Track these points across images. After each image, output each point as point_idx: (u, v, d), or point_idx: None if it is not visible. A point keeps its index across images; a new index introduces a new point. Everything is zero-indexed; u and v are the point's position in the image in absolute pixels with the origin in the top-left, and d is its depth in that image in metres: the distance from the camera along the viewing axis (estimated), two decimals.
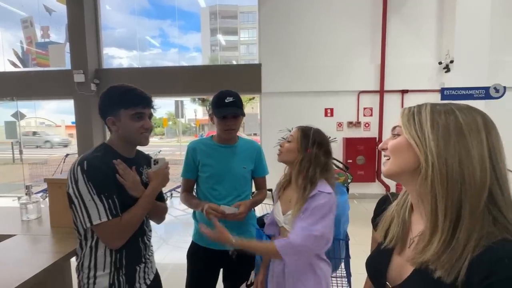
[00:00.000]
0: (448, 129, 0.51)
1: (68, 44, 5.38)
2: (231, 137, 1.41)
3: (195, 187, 1.50)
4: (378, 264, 0.67)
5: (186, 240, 1.58)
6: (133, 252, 1.04)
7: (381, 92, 5.04)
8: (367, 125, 5.19)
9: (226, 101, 1.33)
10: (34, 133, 19.36)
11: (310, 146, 1.12)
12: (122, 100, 1.01)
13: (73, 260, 1.10)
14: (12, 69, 5.70)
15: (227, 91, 1.39)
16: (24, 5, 6.01)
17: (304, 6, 5.09)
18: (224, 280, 1.51)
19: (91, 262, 0.98)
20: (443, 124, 0.51)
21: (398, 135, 0.59)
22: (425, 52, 4.97)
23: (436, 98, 4.88)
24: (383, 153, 0.64)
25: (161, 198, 1.20)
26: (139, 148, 1.15)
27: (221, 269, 1.50)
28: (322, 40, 5.11)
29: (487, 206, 0.48)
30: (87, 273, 0.98)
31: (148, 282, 1.11)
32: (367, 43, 5.08)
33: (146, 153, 1.23)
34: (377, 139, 5.12)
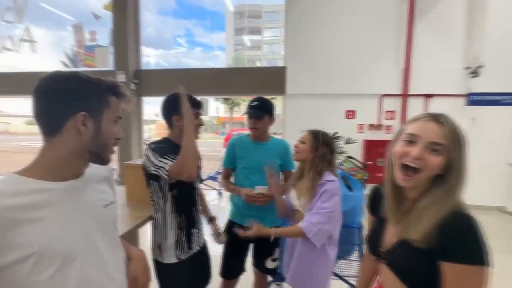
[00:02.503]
0: (466, 153, 0.71)
1: (111, 46, 5.98)
2: (255, 135, 1.69)
3: (233, 175, 1.81)
4: (375, 235, 0.89)
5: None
6: (190, 218, 1.36)
7: (404, 95, 5.09)
8: (388, 128, 5.26)
9: (252, 104, 1.63)
10: None
11: (320, 146, 1.41)
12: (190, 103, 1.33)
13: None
14: (63, 69, 6.44)
15: (257, 97, 1.69)
16: (76, 12, 6.72)
17: (329, 9, 5.25)
18: (254, 255, 1.80)
19: (163, 222, 1.31)
20: (466, 149, 0.71)
21: (437, 150, 0.70)
22: (451, 56, 4.93)
23: (461, 103, 4.86)
24: (407, 161, 0.72)
25: None
26: None
27: (251, 245, 1.79)
28: (347, 43, 5.25)
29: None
30: (160, 230, 1.31)
31: (201, 245, 1.44)
32: (391, 47, 5.15)
33: None
34: None
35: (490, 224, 4.16)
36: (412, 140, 0.73)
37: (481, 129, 4.70)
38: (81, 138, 0.65)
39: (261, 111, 1.64)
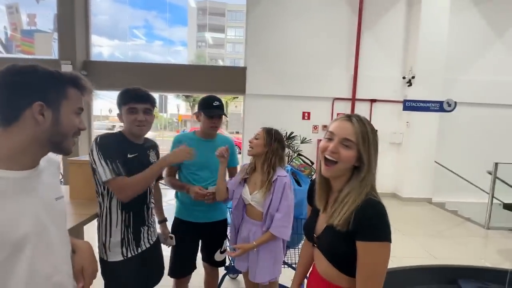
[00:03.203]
0: (375, 148, 0.84)
1: (55, 33, 5.40)
2: (214, 132, 1.74)
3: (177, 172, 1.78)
4: (310, 223, 1.00)
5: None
6: (138, 216, 1.33)
7: (353, 99, 5.61)
8: None
9: (214, 104, 1.66)
10: None
11: (273, 142, 1.52)
12: (121, 98, 1.31)
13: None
14: None
15: (214, 96, 1.70)
16: None
17: (289, 14, 5.52)
18: (202, 249, 1.81)
19: (107, 219, 1.27)
20: (374, 144, 0.84)
21: (348, 145, 0.82)
22: (392, 67, 5.60)
23: (399, 108, 5.53)
24: (326, 154, 0.85)
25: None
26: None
27: (200, 241, 1.78)
28: (304, 48, 5.58)
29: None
30: (105, 227, 1.27)
31: (151, 242, 1.42)
32: (343, 55, 5.62)
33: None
34: None
35: (419, 214, 4.84)
36: (331, 137, 0.87)
37: (414, 132, 5.42)
38: (39, 128, 0.67)
39: (222, 111, 1.70)
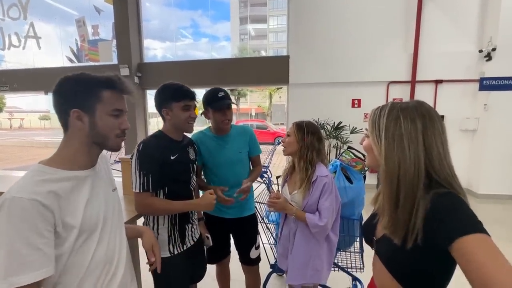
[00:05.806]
0: (393, 137, 0.66)
1: (114, 40, 5.98)
2: (228, 127, 1.55)
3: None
4: (370, 223, 0.87)
5: None
6: (184, 215, 1.34)
7: (413, 82, 4.91)
8: None
9: (219, 95, 1.49)
10: None
11: (305, 135, 1.38)
12: (174, 94, 1.26)
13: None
14: (69, 64, 6.50)
15: (216, 87, 1.53)
16: (79, 6, 6.71)
17: None
18: (236, 249, 1.74)
19: (155, 218, 1.30)
20: (391, 132, 0.67)
21: (367, 136, 0.76)
22: (464, 39, 4.69)
23: (474, 88, 4.65)
24: None
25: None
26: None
27: (231, 237, 1.73)
28: (352, 30, 5.06)
29: (426, 186, 0.63)
30: (152, 226, 1.30)
31: (195, 239, 1.43)
32: (399, 32, 4.93)
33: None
34: None
35: (502, 214, 4.05)
36: None
37: (494, 115, 4.50)
38: (82, 132, 0.72)
39: (230, 99, 1.53)
